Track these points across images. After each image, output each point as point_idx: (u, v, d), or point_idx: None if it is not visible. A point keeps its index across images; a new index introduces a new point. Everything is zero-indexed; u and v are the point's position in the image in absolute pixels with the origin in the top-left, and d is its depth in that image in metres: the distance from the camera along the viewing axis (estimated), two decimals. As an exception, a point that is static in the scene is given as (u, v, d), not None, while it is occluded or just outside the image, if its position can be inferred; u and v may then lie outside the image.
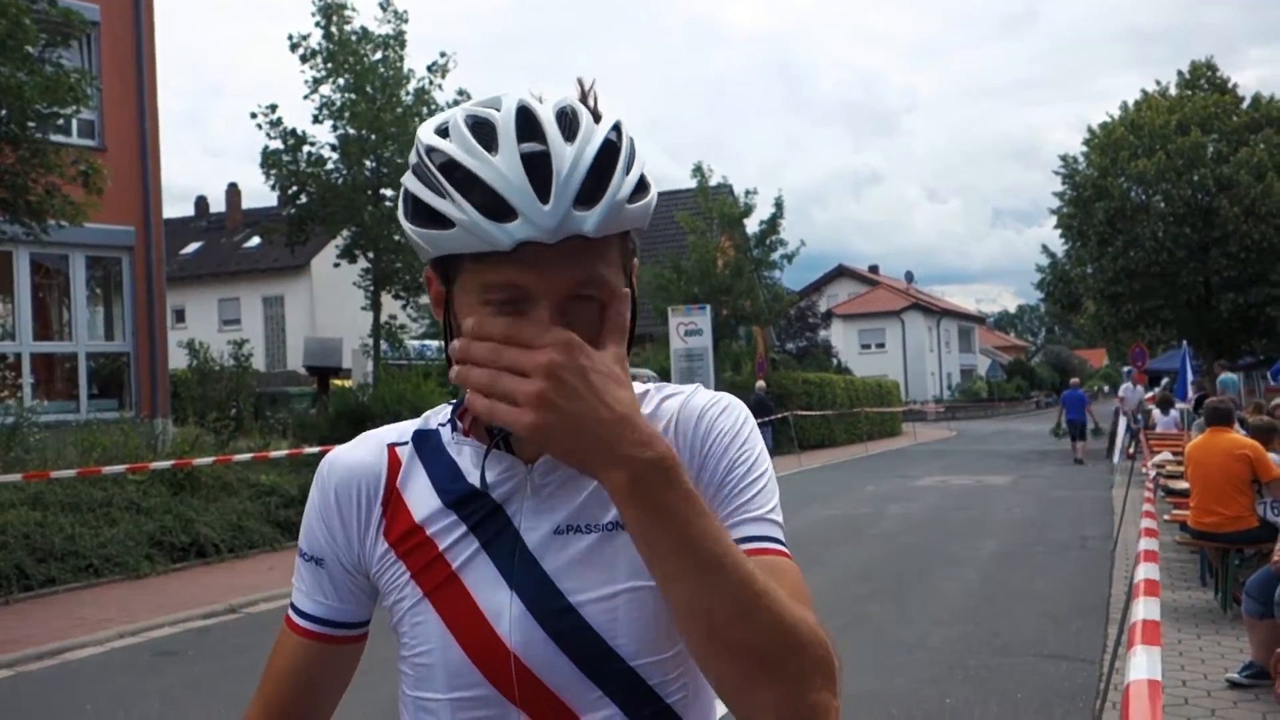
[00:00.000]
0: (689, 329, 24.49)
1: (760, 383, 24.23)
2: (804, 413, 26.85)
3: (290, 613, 1.25)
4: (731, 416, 1.19)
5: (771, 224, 26.81)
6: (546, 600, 1.11)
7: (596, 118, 1.04)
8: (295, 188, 19.49)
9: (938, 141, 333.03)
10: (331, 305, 33.61)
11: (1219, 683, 5.95)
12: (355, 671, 1.27)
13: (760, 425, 12.04)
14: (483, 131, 1.01)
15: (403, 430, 1.25)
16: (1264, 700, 5.45)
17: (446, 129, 1.05)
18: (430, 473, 1.19)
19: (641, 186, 1.05)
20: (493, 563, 1.13)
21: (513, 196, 0.97)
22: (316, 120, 19.25)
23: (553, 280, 1.01)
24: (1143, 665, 1.88)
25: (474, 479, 1.16)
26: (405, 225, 1.06)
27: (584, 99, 1.07)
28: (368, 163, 19.04)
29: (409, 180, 1.05)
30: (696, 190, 27.06)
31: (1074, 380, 28.09)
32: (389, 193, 19.03)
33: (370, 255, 19.54)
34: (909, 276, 69.12)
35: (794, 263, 28.13)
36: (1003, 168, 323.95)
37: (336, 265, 21.32)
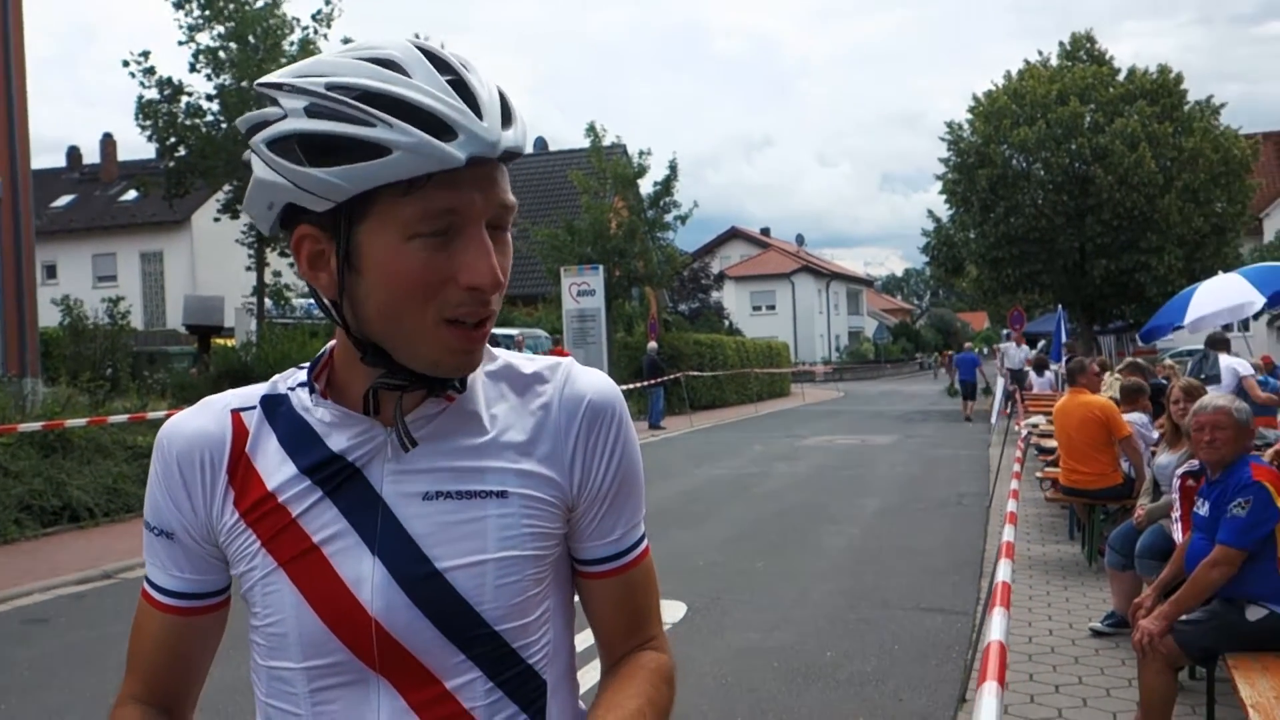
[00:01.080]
0: (582, 289, 24.46)
1: (652, 344, 24.35)
2: (696, 373, 27.12)
3: (147, 588, 1.20)
4: (621, 413, 1.20)
5: (665, 185, 26.83)
6: (412, 566, 1.09)
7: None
8: (173, 139, 18.79)
9: (829, 107, 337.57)
10: (213, 262, 32.58)
11: (1084, 631, 6.24)
12: (224, 633, 1.24)
13: (652, 386, 12.27)
14: (397, 68, 1.01)
15: (247, 395, 1.20)
16: (1124, 648, 5.73)
17: (332, 71, 1.02)
18: (281, 438, 1.15)
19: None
20: (354, 529, 1.11)
21: (451, 115, 0.98)
22: (193, 69, 18.54)
23: (489, 201, 1.03)
24: (997, 626, 1.98)
25: (332, 443, 1.13)
26: (300, 172, 1.00)
27: None
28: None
29: (301, 123, 1.01)
30: (590, 150, 26.88)
31: (967, 344, 29.01)
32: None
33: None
34: (799, 239, 70.20)
35: (687, 224, 28.26)
36: (891, 134, 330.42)
37: (217, 220, 20.66)
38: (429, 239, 1.01)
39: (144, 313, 35.00)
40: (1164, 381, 9.25)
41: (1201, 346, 11.23)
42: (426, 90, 0.99)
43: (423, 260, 1.01)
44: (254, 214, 1.08)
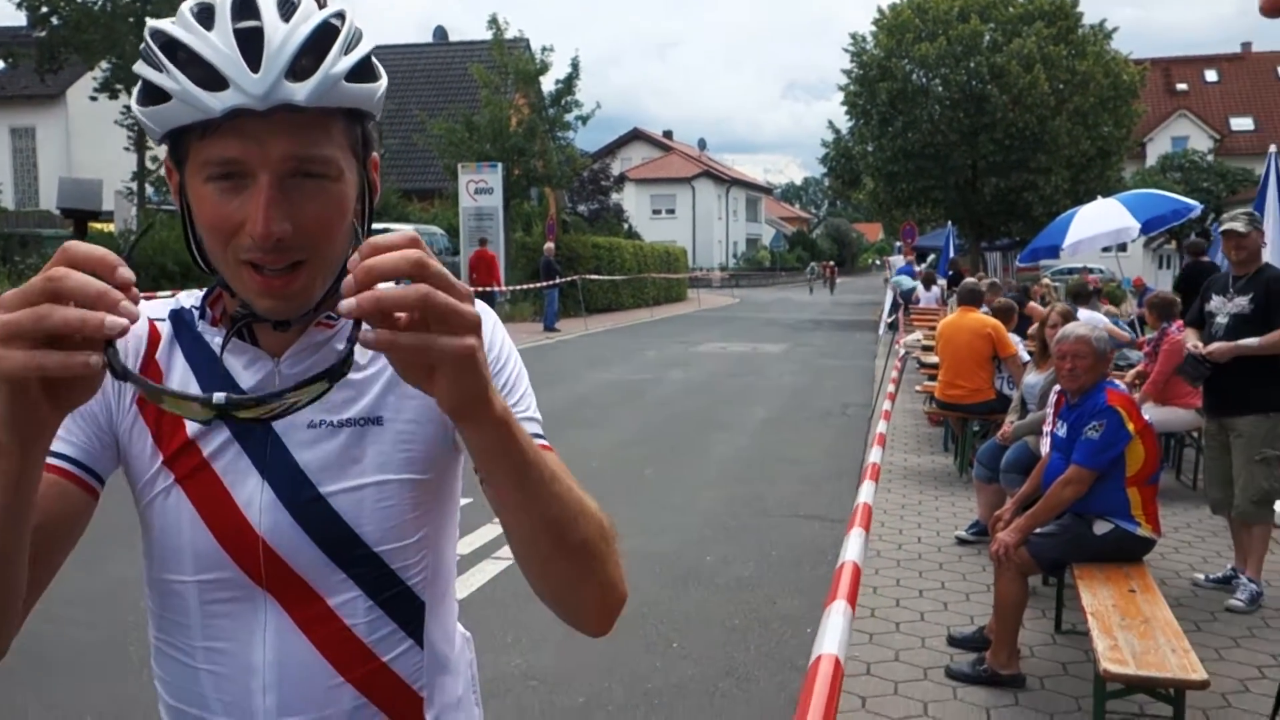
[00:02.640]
0: (479, 187, 24.07)
1: (549, 245, 24.18)
2: (592, 277, 27.08)
3: None
4: (496, 328, 1.23)
5: (568, 84, 26.37)
6: (297, 490, 1.15)
7: (321, 4, 1.07)
8: (45, 9, 17.69)
9: (737, 11, 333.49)
10: (91, 142, 30.99)
11: (950, 539, 6.59)
12: (79, 538, 1.18)
13: (548, 289, 12.21)
14: (205, 15, 1.04)
15: (156, 306, 1.24)
16: (985, 555, 6.04)
17: (168, 17, 1.08)
18: (186, 354, 1.20)
19: (368, 71, 1.08)
20: (245, 452, 1.16)
21: (224, 66, 1.00)
22: (70, -65, 17.41)
23: (268, 153, 1.03)
24: (853, 547, 2.10)
25: (228, 366, 1.18)
26: (136, 108, 1.07)
27: None
28: (129, -13, 17.46)
29: (138, 65, 1.06)
30: (492, 43, 26.21)
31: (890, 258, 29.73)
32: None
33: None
34: (701, 144, 69.97)
35: (588, 124, 27.88)
36: (797, 41, 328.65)
37: (94, 99, 19.64)
38: (220, 183, 1.05)
39: (14, 192, 33.27)
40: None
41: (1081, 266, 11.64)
42: (208, 39, 1.01)
43: (215, 202, 1.05)
44: (153, 140, 1.13)
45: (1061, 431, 4.66)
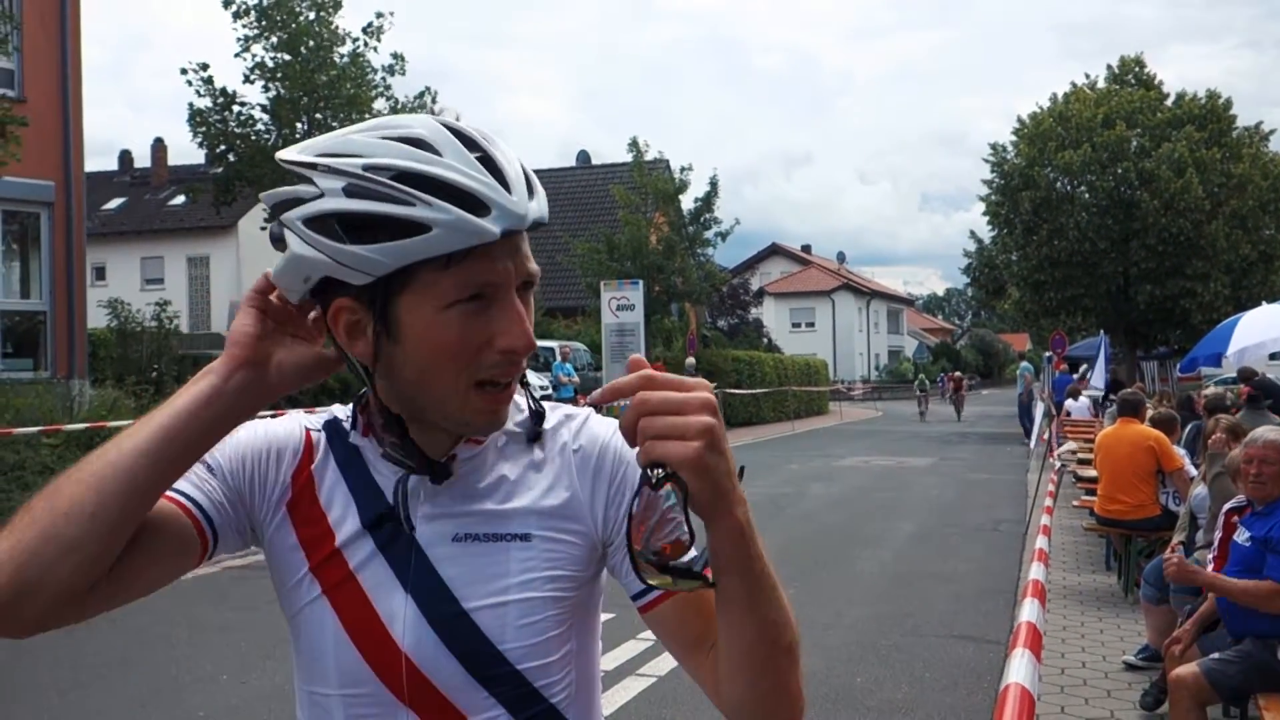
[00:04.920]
0: (621, 304, 24.53)
1: (690, 359, 24.37)
2: (733, 390, 27.08)
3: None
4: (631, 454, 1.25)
5: (706, 201, 26.89)
6: (440, 605, 1.16)
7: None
8: (223, 147, 19.10)
9: (869, 124, 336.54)
10: (258, 267, 32.12)
11: (1117, 664, 6.20)
12: (166, 585, 1.19)
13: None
14: (420, 145, 1.06)
15: (314, 418, 1.28)
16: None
17: (364, 151, 1.06)
18: (339, 463, 1.22)
19: None
20: (389, 566, 1.17)
21: (486, 192, 1.04)
22: (247, 80, 18.85)
23: (519, 269, 1.09)
24: (1017, 668, 1.99)
25: (379, 480, 1.20)
26: (341, 250, 1.05)
27: None
28: (299, 124, 18.71)
29: (340, 203, 1.05)
30: (632, 165, 27.01)
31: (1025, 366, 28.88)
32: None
33: (275, 233, 19.21)
34: (840, 257, 69.86)
35: (727, 240, 28.27)
36: (931, 153, 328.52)
37: (263, 228, 20.93)
38: (466, 306, 1.07)
39: (189, 316, 35.47)
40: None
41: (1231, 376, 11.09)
42: (458, 168, 1.05)
43: (460, 327, 1.08)
44: (286, 285, 1.13)
45: (1243, 539, 4.37)
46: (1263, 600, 4.13)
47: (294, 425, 1.25)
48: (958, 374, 40.11)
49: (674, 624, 1.20)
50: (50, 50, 15.69)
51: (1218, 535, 4.92)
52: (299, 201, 1.08)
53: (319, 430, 1.26)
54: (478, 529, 1.18)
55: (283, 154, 1.10)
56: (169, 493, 1.15)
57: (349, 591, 1.17)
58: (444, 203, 1.03)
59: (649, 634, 6.55)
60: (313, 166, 1.07)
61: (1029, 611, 2.42)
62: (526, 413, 1.25)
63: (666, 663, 5.85)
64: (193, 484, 1.18)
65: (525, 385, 1.22)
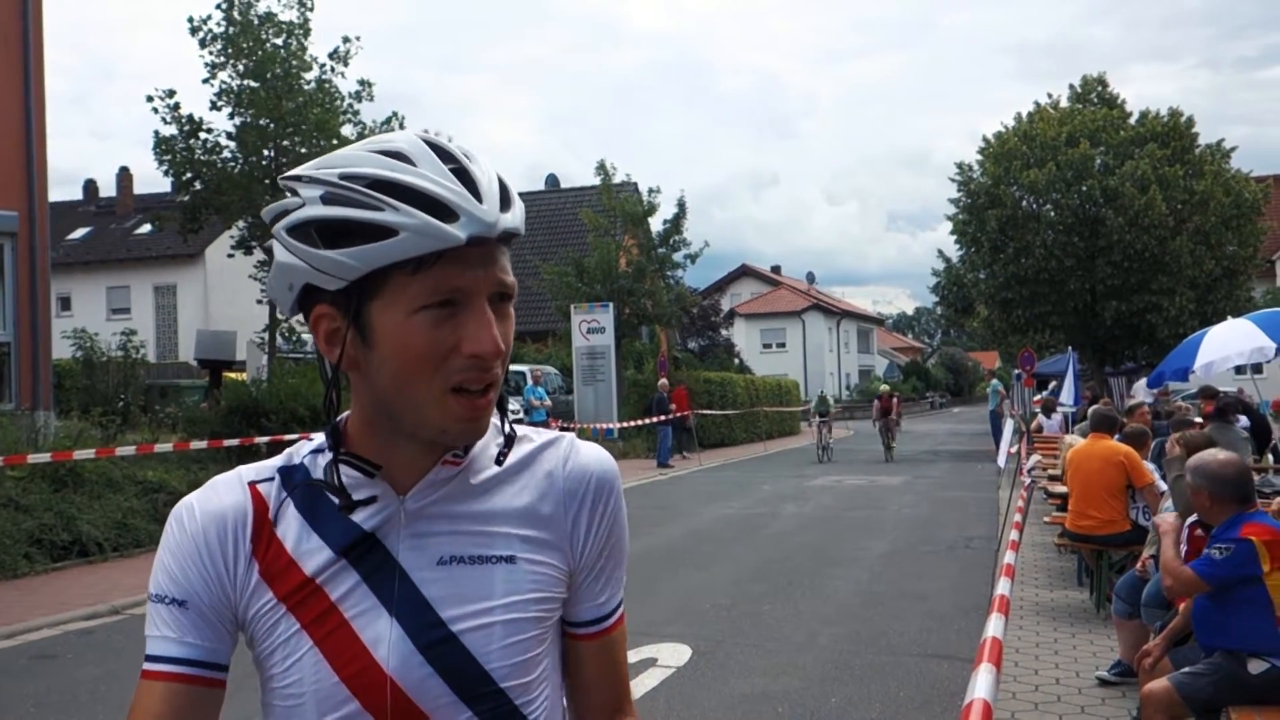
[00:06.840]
0: (591, 326, 24.56)
1: (662, 381, 24.37)
2: (705, 411, 27.09)
3: (149, 665, 1.17)
4: (619, 488, 1.30)
5: (675, 223, 26.97)
6: (426, 628, 1.16)
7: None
8: (189, 175, 18.96)
9: (834, 145, 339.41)
10: (226, 296, 32.76)
11: (1090, 680, 6.22)
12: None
13: (661, 424, 12.30)
14: (398, 157, 1.10)
15: (260, 468, 1.25)
16: (1130, 697, 5.70)
17: (345, 163, 1.11)
18: (301, 508, 1.20)
19: None
20: (372, 592, 1.16)
21: (454, 200, 1.07)
22: (214, 107, 18.74)
23: (490, 277, 1.11)
24: (982, 684, 1.99)
25: (354, 515, 1.18)
26: (316, 254, 1.09)
27: None
28: (266, 151, 18.61)
29: (317, 210, 1.10)
30: (600, 188, 27.06)
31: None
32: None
33: (267, 247, 19.12)
34: (810, 277, 70.27)
35: (696, 262, 28.35)
36: (896, 173, 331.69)
37: (231, 256, 20.82)
38: (435, 311, 1.09)
39: (156, 346, 35.17)
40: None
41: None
42: (430, 177, 1.09)
43: (429, 332, 1.09)
44: (275, 296, 1.16)
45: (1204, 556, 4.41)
46: (1177, 580, 4.31)
47: (235, 487, 1.22)
48: (886, 390, 28.12)
49: (590, 667, 1.30)
50: (12, 79, 15.54)
51: (1184, 549, 4.96)
52: (287, 213, 1.13)
53: (268, 479, 1.23)
54: (463, 551, 1.19)
55: (283, 174, 1.16)
56: (165, 668, 1.15)
57: (330, 621, 1.16)
58: (411, 208, 1.06)
59: (647, 638, 6.46)
60: (299, 179, 1.13)
61: (994, 627, 2.42)
62: (503, 436, 1.25)
63: (666, 663, 5.81)
64: (173, 640, 1.16)
65: (503, 411, 1.23)
